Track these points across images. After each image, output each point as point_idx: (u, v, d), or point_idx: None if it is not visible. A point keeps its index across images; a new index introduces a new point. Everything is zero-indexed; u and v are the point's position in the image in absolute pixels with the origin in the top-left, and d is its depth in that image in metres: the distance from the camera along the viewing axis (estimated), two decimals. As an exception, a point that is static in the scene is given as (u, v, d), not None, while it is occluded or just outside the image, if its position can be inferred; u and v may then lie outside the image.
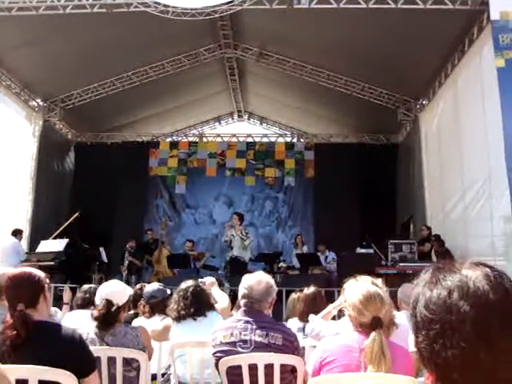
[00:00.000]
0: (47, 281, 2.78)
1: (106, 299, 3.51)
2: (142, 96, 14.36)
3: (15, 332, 2.46)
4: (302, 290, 5.31)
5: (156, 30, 11.03)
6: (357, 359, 2.61)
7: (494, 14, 8.44)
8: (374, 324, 2.64)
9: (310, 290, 4.90)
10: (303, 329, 4.34)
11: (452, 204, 10.89)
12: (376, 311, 2.71)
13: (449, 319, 1.02)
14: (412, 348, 3.35)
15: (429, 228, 11.26)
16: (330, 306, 3.85)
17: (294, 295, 5.70)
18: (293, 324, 4.75)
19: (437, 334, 1.03)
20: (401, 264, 9.77)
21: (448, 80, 11.30)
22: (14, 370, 2.37)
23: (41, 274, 2.77)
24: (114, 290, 3.58)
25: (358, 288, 2.83)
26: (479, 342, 0.99)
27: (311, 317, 3.97)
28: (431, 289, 1.08)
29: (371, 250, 10.50)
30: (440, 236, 10.50)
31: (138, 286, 5.46)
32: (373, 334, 2.61)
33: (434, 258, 10.36)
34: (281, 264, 11.63)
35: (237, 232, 11.35)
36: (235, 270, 10.54)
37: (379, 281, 2.98)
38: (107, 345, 3.43)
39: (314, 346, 3.61)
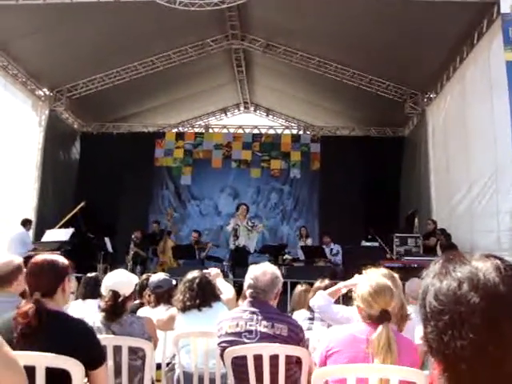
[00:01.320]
0: (70, 270, 2.73)
1: (112, 290, 3.51)
2: (148, 86, 14.33)
3: (27, 320, 2.46)
4: (308, 283, 5.30)
5: (163, 20, 11.00)
6: (363, 350, 2.62)
7: (505, 7, 8.38)
8: (382, 317, 2.65)
9: (324, 282, 4.88)
10: (313, 318, 4.35)
11: (458, 198, 10.86)
12: (385, 304, 2.72)
13: (458, 310, 1.02)
14: (418, 341, 3.37)
15: (434, 222, 11.23)
16: (341, 284, 3.84)
17: (299, 287, 5.71)
18: (302, 314, 4.75)
19: (446, 324, 1.03)
20: (406, 258, 9.76)
21: (456, 74, 11.24)
22: (22, 357, 2.37)
23: (65, 261, 2.73)
24: (120, 281, 3.58)
25: (367, 280, 2.84)
26: (488, 334, 0.99)
27: (319, 292, 3.97)
28: (441, 280, 1.08)
29: (376, 243, 10.50)
30: (445, 230, 10.47)
31: (145, 276, 5.48)
32: (380, 327, 2.61)
33: (439, 252, 10.33)
34: (286, 256, 11.65)
35: (242, 222, 11.39)
36: (239, 261, 10.57)
37: (393, 275, 2.99)
38: (113, 334, 3.44)
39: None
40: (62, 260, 2.74)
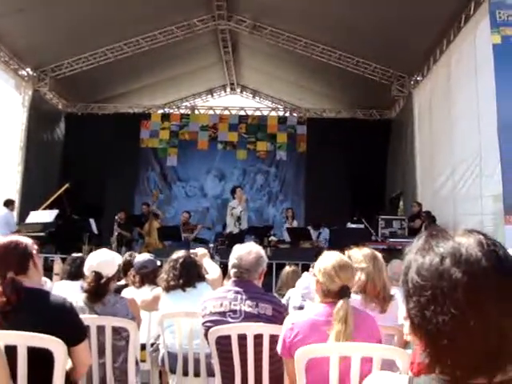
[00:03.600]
0: (35, 247, 2.75)
1: (95, 271, 3.48)
2: (133, 67, 14.19)
3: (5, 299, 2.45)
4: (295, 264, 5.31)
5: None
6: (325, 333, 2.61)
7: (492, -10, 8.37)
8: (343, 292, 2.65)
9: None
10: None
11: (441, 181, 10.93)
12: (346, 280, 2.72)
13: (440, 285, 1.02)
14: (401, 320, 3.40)
15: (419, 204, 11.30)
16: None
17: (287, 268, 5.76)
18: (295, 292, 4.74)
19: (428, 300, 1.03)
20: (391, 240, 9.84)
21: (443, 56, 11.26)
22: (3, 336, 2.36)
23: (28, 240, 2.74)
24: (103, 261, 3.52)
25: (332, 255, 2.83)
26: (470, 309, 0.99)
27: (305, 274, 3.99)
28: (423, 255, 1.08)
29: (362, 225, 10.54)
30: (430, 212, 10.54)
31: (128, 255, 5.46)
32: (340, 302, 2.61)
33: (423, 234, 10.40)
34: (271, 238, 11.66)
35: (242, 205, 11.34)
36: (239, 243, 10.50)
37: (379, 255, 3.00)
38: (96, 314, 3.42)
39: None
40: (25, 239, 2.75)
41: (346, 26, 11.59)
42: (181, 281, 4.10)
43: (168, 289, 4.12)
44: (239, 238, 10.44)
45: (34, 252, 2.72)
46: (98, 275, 3.46)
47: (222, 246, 11.00)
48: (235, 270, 3.33)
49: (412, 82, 13.53)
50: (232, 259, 3.37)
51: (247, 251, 3.36)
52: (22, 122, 13.56)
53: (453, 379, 1.03)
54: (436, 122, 11.51)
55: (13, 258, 2.62)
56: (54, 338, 2.42)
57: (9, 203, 10.75)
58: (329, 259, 2.81)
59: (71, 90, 15.19)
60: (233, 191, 12.01)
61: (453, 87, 10.42)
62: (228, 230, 11.54)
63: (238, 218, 11.28)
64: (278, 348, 2.77)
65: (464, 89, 9.72)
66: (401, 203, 14.05)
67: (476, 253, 1.03)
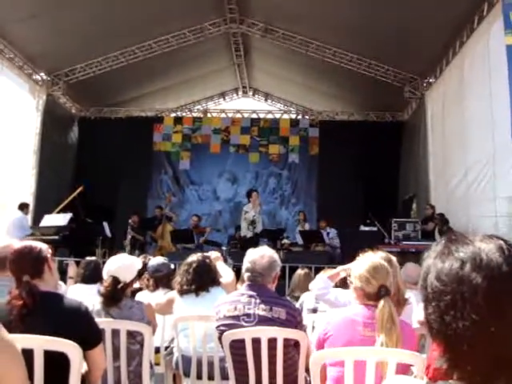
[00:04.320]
0: (49, 251, 2.78)
1: (113, 276, 3.49)
2: (146, 71, 14.24)
3: (22, 302, 2.47)
4: (307, 267, 5.30)
5: (161, 3, 10.92)
6: (359, 333, 2.62)
7: (506, -9, 8.31)
8: (382, 292, 2.65)
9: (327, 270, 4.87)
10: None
11: (455, 183, 10.86)
12: (383, 280, 2.72)
13: (460, 290, 1.01)
14: (415, 325, 3.38)
15: (433, 207, 11.23)
16: (340, 268, 3.84)
17: (299, 271, 5.75)
18: (309, 296, 4.73)
19: (447, 305, 1.03)
20: (404, 242, 9.79)
21: (455, 58, 11.18)
22: (20, 340, 2.37)
23: (42, 245, 2.78)
24: (122, 266, 3.54)
25: (364, 259, 2.85)
26: (490, 315, 0.98)
27: (318, 276, 3.97)
28: (443, 260, 1.07)
29: (375, 228, 10.51)
30: (444, 215, 10.47)
31: (142, 257, 5.47)
32: (382, 302, 2.62)
33: (437, 237, 10.34)
34: (284, 241, 11.65)
35: (256, 210, 11.32)
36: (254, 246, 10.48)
37: (390, 257, 2.99)
38: (112, 317, 3.44)
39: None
40: (39, 243, 2.80)
41: (357, 29, 11.54)
42: (193, 286, 4.10)
43: (182, 292, 4.12)
44: (253, 241, 10.44)
45: (49, 256, 2.75)
46: (115, 280, 3.47)
47: (235, 249, 11.00)
48: (249, 273, 3.33)
49: (425, 84, 13.47)
50: (246, 263, 3.37)
51: (261, 255, 3.36)
52: (35, 125, 13.66)
53: None
54: (449, 123, 11.44)
55: (27, 262, 2.65)
56: (69, 341, 2.43)
57: (23, 207, 10.82)
58: (361, 263, 2.82)
59: (84, 94, 15.27)
60: (248, 194, 11.98)
61: (466, 89, 10.35)
62: (242, 234, 11.52)
63: (252, 222, 11.26)
64: (313, 342, 2.78)
65: (477, 90, 9.65)
66: (414, 205, 13.97)
67: (497, 258, 1.02)
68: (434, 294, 1.06)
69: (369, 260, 2.84)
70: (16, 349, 1.65)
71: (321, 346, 2.73)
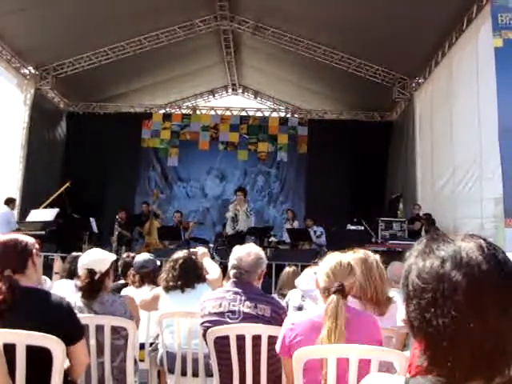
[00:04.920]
0: (36, 246, 2.75)
1: (87, 268, 3.48)
2: (135, 67, 14.19)
3: (1, 297, 2.44)
4: (295, 265, 5.31)
5: (151, -1, 10.87)
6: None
7: (495, -7, 8.37)
8: (337, 288, 2.63)
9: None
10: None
11: (441, 184, 10.94)
12: (342, 278, 2.70)
13: (441, 288, 1.03)
14: (400, 323, 3.39)
15: (419, 207, 11.30)
16: None
17: (288, 269, 5.76)
18: (295, 293, 4.73)
19: (428, 302, 1.04)
20: (391, 241, 9.84)
21: (444, 59, 11.25)
22: (2, 335, 2.36)
23: (29, 239, 2.74)
24: (95, 259, 3.53)
25: (331, 258, 2.82)
26: (470, 312, 1.00)
27: (305, 271, 3.97)
28: (424, 258, 1.09)
29: (361, 227, 10.55)
30: (430, 215, 10.54)
31: (125, 255, 5.46)
32: (332, 297, 2.59)
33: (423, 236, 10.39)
34: (271, 239, 11.67)
35: (242, 208, 11.35)
36: (238, 244, 10.52)
37: (377, 256, 2.98)
38: (95, 313, 3.42)
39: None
40: (26, 237, 2.75)
41: (348, 28, 11.58)
42: (179, 282, 4.10)
43: (167, 289, 4.12)
44: (239, 238, 10.47)
45: (34, 251, 2.72)
46: (90, 272, 3.46)
47: (222, 246, 11.00)
48: (235, 270, 3.33)
49: (413, 85, 13.53)
50: (232, 260, 3.37)
51: (247, 252, 3.35)
52: (23, 120, 13.55)
53: (450, 381, 1.03)
54: (437, 124, 11.51)
55: (11, 256, 2.62)
56: (52, 336, 2.41)
57: (9, 202, 10.74)
58: (328, 260, 2.81)
59: (73, 88, 15.18)
60: (235, 192, 12.06)
61: (454, 90, 10.41)
62: (226, 231, 11.58)
63: (233, 220, 11.33)
64: (277, 347, 2.76)
65: (465, 91, 9.72)
66: (400, 205, 14.05)
67: (476, 256, 1.04)
68: (415, 292, 1.07)
69: (336, 258, 2.82)
70: None
71: (287, 351, 2.68)
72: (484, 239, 1.10)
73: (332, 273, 2.71)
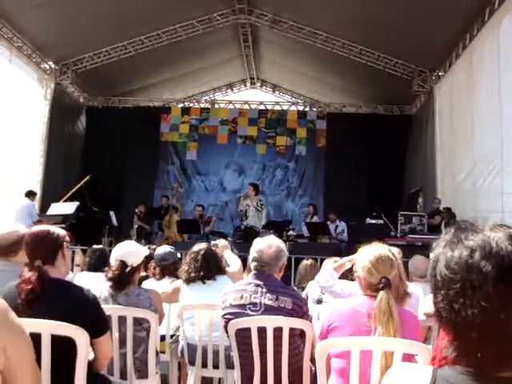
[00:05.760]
0: (67, 238, 2.79)
1: (121, 260, 3.53)
2: (154, 61, 14.24)
3: (30, 286, 2.48)
4: (314, 258, 5.30)
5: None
6: (364, 324, 2.62)
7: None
8: (383, 284, 2.65)
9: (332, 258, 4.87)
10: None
11: (462, 177, 10.83)
12: (385, 272, 2.72)
13: (470, 278, 1.02)
14: (421, 317, 3.38)
15: (439, 201, 11.21)
16: (345, 259, 3.85)
17: (305, 261, 5.76)
18: (315, 285, 4.73)
19: (457, 293, 1.03)
20: (410, 235, 9.78)
21: (465, 52, 11.11)
22: (28, 324, 2.39)
23: (60, 231, 2.78)
24: (129, 251, 3.59)
25: (369, 250, 2.85)
26: (500, 302, 0.99)
27: (324, 267, 3.97)
28: (453, 248, 1.08)
29: (381, 221, 10.50)
30: (451, 209, 10.45)
31: (147, 247, 5.50)
32: (381, 293, 2.62)
33: (443, 231, 10.28)
34: (290, 232, 11.65)
35: (252, 202, 11.42)
36: (248, 239, 10.61)
37: (395, 249, 2.99)
38: (119, 304, 3.46)
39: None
40: (57, 229, 2.80)
41: (367, 21, 11.48)
42: (201, 273, 4.11)
43: (188, 281, 4.13)
44: (254, 233, 10.60)
45: (65, 243, 2.76)
46: (123, 264, 3.51)
47: (241, 239, 11.04)
48: (256, 263, 3.34)
49: (433, 78, 13.40)
50: (252, 252, 3.38)
51: (268, 244, 3.36)
52: (44, 114, 13.70)
53: (479, 371, 1.03)
54: (457, 117, 11.39)
55: (43, 246, 2.66)
56: (77, 327, 2.45)
57: (30, 194, 10.89)
58: (366, 253, 2.83)
59: (92, 83, 15.28)
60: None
61: (475, 83, 10.29)
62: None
63: (243, 214, 11.43)
64: (317, 332, 2.79)
65: (486, 84, 9.60)
66: (420, 199, 13.95)
67: (506, 246, 1.03)
68: (444, 282, 1.06)
69: (374, 251, 2.84)
70: (25, 333, 1.67)
71: (324, 336, 2.74)
72: (513, 229, 1.09)
73: (374, 267, 2.74)
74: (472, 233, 1.08)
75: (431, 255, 1.15)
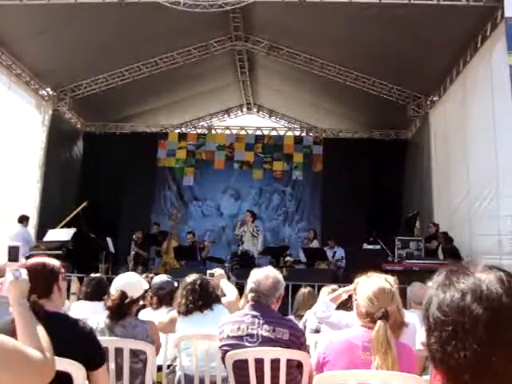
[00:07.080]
0: (62, 270, 2.78)
1: (121, 290, 3.53)
2: (151, 87, 14.35)
3: None
4: (311, 285, 5.29)
5: (167, 21, 11.01)
6: (359, 357, 2.62)
7: (509, 11, 8.37)
8: (382, 313, 2.66)
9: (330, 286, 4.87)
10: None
11: (458, 202, 10.87)
12: (386, 304, 2.73)
13: (462, 321, 1.03)
14: (419, 346, 3.37)
15: (436, 225, 11.21)
16: (341, 290, 3.86)
17: (303, 289, 5.74)
18: (311, 316, 4.71)
19: (449, 335, 1.04)
20: (407, 261, 9.75)
21: (459, 77, 11.23)
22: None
23: (55, 263, 2.77)
24: (130, 282, 3.61)
25: (372, 281, 2.86)
26: (492, 345, 1.00)
27: (320, 298, 3.97)
28: (444, 291, 1.09)
29: (378, 246, 10.48)
30: (447, 233, 10.46)
31: (144, 276, 5.48)
32: (379, 323, 2.62)
33: (440, 255, 10.33)
34: (287, 258, 11.64)
35: (248, 228, 11.50)
36: (244, 264, 10.62)
37: (391, 278, 3.00)
38: (116, 336, 3.45)
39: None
40: (52, 261, 2.78)
41: (362, 47, 11.63)
42: (200, 302, 4.10)
43: (186, 312, 4.11)
44: (250, 259, 10.72)
45: (60, 276, 2.75)
46: (123, 294, 3.51)
47: (237, 266, 11.03)
48: (253, 294, 3.34)
49: (428, 103, 13.51)
50: (250, 283, 3.38)
51: (265, 275, 3.36)
52: (41, 140, 13.75)
53: None
54: (452, 142, 11.47)
55: (38, 281, 2.64)
56: (73, 361, 2.43)
57: (23, 219, 10.82)
58: (369, 284, 2.84)
59: (90, 109, 15.38)
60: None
61: (469, 108, 10.39)
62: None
63: (239, 240, 11.58)
64: (313, 364, 2.79)
65: (480, 109, 9.69)
66: (417, 223, 13.94)
67: (497, 289, 1.04)
68: (436, 325, 1.07)
69: (377, 282, 2.86)
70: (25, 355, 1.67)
71: (320, 368, 2.74)
72: (504, 271, 1.10)
73: (376, 298, 2.76)
74: (463, 275, 1.10)
75: (424, 296, 1.16)
